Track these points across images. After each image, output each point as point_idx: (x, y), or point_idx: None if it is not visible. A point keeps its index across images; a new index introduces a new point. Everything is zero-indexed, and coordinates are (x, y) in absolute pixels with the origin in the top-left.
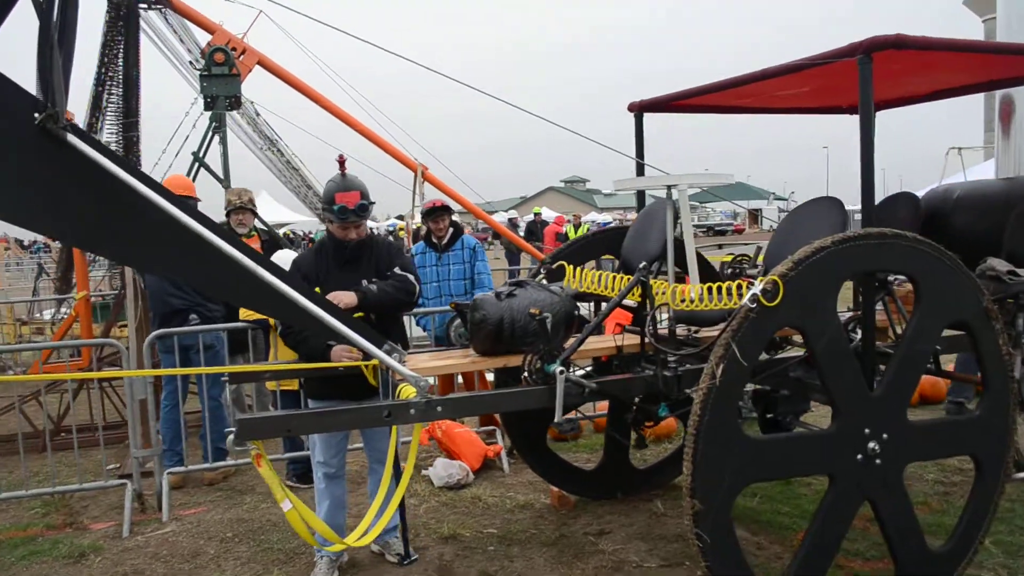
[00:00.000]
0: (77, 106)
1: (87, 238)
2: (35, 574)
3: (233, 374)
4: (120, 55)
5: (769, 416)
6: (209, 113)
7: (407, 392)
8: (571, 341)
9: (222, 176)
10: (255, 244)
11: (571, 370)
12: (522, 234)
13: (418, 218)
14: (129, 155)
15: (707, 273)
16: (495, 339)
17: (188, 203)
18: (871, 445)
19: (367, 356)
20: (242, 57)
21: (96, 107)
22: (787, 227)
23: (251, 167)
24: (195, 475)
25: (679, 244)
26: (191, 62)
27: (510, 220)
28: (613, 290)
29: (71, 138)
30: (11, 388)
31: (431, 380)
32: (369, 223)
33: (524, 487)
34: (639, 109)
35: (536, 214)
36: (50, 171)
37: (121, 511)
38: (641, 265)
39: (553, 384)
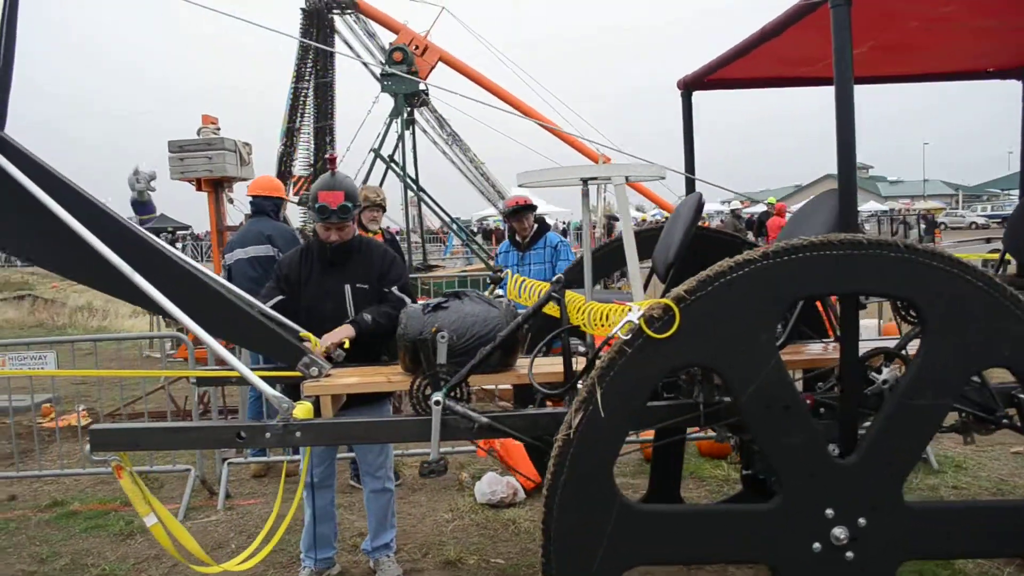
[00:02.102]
0: (277, 107)
1: None
2: (86, 546)
3: (200, 378)
4: (313, 59)
5: (746, 473)
6: (390, 110)
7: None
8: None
9: (402, 172)
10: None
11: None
12: (741, 226)
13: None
14: (320, 151)
15: None
16: (412, 356)
17: (265, 205)
18: (836, 532)
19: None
20: (424, 54)
21: (294, 108)
22: (788, 229)
23: (431, 164)
24: (278, 465)
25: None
26: (380, 62)
27: (733, 212)
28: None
29: None
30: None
31: (294, 403)
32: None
33: None
34: (685, 87)
35: (769, 205)
36: None
37: (197, 494)
38: (555, 279)
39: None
